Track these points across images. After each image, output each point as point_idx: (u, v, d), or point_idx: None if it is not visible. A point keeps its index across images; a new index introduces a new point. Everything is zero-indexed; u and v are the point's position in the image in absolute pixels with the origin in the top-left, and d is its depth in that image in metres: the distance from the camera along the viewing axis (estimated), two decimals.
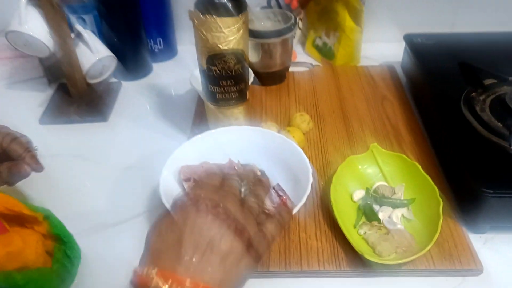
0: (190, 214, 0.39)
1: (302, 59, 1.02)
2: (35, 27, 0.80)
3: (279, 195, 0.49)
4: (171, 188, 0.60)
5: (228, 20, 0.60)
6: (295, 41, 1.03)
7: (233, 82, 0.66)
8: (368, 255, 0.54)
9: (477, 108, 0.69)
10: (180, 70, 0.98)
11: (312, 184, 0.59)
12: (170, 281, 0.35)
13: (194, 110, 0.85)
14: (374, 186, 0.65)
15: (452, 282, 0.56)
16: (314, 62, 1.01)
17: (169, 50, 1.03)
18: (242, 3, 0.62)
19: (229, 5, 0.60)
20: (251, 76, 0.85)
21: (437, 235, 0.55)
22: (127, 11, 0.89)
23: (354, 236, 0.59)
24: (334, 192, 0.62)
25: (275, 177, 0.53)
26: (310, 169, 0.60)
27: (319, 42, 1.01)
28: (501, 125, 0.65)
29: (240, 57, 0.64)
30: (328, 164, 0.72)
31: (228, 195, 0.42)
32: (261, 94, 0.89)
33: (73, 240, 0.56)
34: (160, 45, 1.01)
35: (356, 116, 0.81)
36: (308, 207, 0.64)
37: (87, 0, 0.89)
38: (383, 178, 0.67)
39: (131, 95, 0.93)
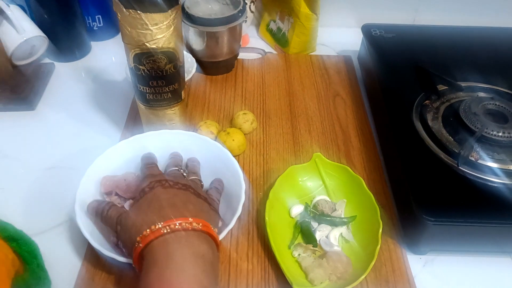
0: (160, 190, 0.49)
1: (255, 43, 0.95)
2: None
3: None
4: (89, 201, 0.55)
5: (155, 16, 0.53)
6: (249, 22, 0.95)
7: (164, 82, 0.60)
8: (297, 285, 0.50)
9: (429, 117, 0.65)
10: (122, 50, 0.89)
11: (249, 196, 0.57)
12: (176, 221, 0.43)
13: (131, 102, 0.77)
14: (314, 201, 0.61)
15: None
16: (267, 48, 0.94)
17: (110, 27, 0.94)
18: None
19: None
20: (193, 67, 0.78)
21: (372, 263, 0.52)
22: None
23: (287, 259, 0.55)
24: (270, 209, 0.57)
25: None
26: (243, 187, 0.55)
27: (273, 26, 0.94)
28: (452, 139, 0.61)
29: (171, 56, 0.57)
30: (269, 171, 0.67)
31: (177, 176, 0.54)
32: (205, 85, 0.82)
33: (24, 235, 0.50)
34: (100, 23, 0.91)
35: (305, 116, 0.76)
36: (242, 222, 0.60)
37: None
38: (325, 192, 0.63)
39: (65, 79, 0.84)
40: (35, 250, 0.50)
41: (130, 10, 0.52)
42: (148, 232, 0.43)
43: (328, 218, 0.59)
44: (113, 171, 0.59)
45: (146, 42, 0.55)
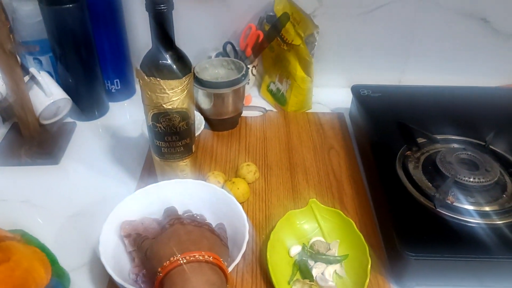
0: (179, 226, 0.56)
1: (257, 102, 1.06)
2: None
3: None
4: (111, 244, 0.62)
5: (172, 82, 0.62)
6: (251, 83, 1.06)
7: (178, 137, 0.69)
8: None
9: (411, 166, 0.73)
10: (137, 110, 0.98)
11: (253, 237, 0.63)
12: (192, 253, 0.50)
13: (146, 155, 0.86)
14: (311, 242, 0.68)
15: None
16: (268, 107, 1.04)
17: (127, 90, 1.05)
18: (187, 65, 0.64)
19: (174, 67, 0.63)
20: (202, 124, 0.88)
21: None
22: (83, 52, 0.91)
23: None
24: (271, 249, 0.64)
25: None
26: (247, 227, 0.63)
27: (273, 87, 1.04)
28: (431, 185, 0.69)
29: (184, 115, 0.66)
30: (270, 216, 0.74)
31: (192, 217, 0.63)
32: (212, 140, 0.91)
33: (48, 250, 0.62)
34: (118, 86, 1.02)
35: (302, 167, 0.85)
36: (247, 261, 0.67)
37: (38, 49, 0.90)
38: (320, 233, 0.70)
39: (86, 136, 0.94)
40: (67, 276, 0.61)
41: (151, 78, 0.62)
42: (167, 263, 0.50)
43: (323, 257, 0.66)
44: (131, 217, 0.66)
45: (163, 104, 0.64)
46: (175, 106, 0.65)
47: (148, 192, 0.69)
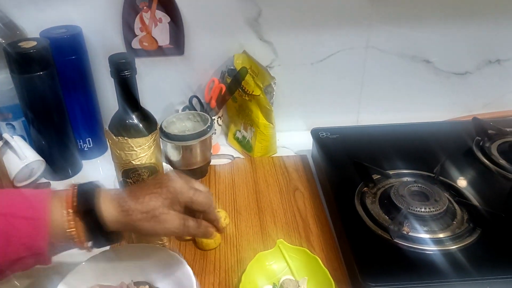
0: None
1: (225, 150, 1.11)
2: None
3: None
4: None
5: (139, 140, 0.67)
6: (218, 133, 1.11)
7: None
8: None
9: (368, 202, 0.78)
10: (110, 165, 1.01)
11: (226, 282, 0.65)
12: None
13: None
14: (281, 281, 0.72)
15: None
16: (236, 154, 1.09)
17: (99, 147, 1.08)
18: (152, 123, 0.69)
19: (140, 126, 0.68)
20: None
21: None
22: (54, 116, 0.94)
23: None
24: None
25: None
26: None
27: (239, 135, 1.10)
28: (388, 217, 0.75)
29: (153, 169, 0.71)
30: (241, 259, 0.78)
31: None
32: None
33: None
34: (90, 144, 1.06)
35: (270, 209, 0.89)
36: None
37: (11, 117, 0.94)
38: (289, 272, 0.74)
39: None
40: None
41: (119, 138, 0.67)
42: None
43: None
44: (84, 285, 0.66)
45: (132, 160, 0.68)
46: (143, 162, 0.69)
47: (100, 258, 0.68)
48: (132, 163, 0.69)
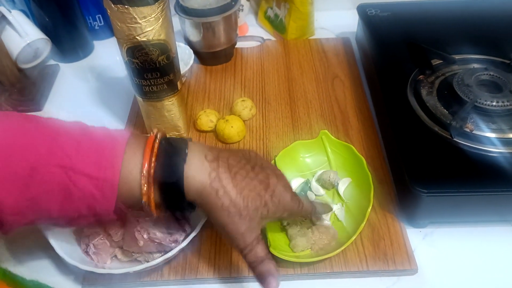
0: None
1: (254, 31, 0.96)
2: None
3: None
4: None
5: (143, 9, 0.54)
6: (246, 10, 0.96)
7: (159, 74, 0.61)
8: (274, 248, 0.52)
9: (424, 93, 0.65)
10: None
11: None
12: None
13: (133, 96, 0.80)
14: (320, 172, 0.62)
15: (386, 281, 0.55)
16: (266, 36, 0.95)
17: (111, 26, 0.96)
18: None
19: None
20: (191, 58, 0.80)
21: (354, 237, 0.53)
22: None
23: (274, 227, 0.57)
24: None
25: None
26: None
27: (270, 13, 0.94)
28: (447, 112, 0.61)
29: (163, 48, 0.58)
30: (268, 154, 0.68)
31: None
32: (204, 76, 0.83)
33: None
34: (101, 22, 0.94)
35: (304, 99, 0.77)
36: None
37: None
38: (328, 168, 0.64)
39: (70, 79, 0.87)
40: None
41: (119, 6, 0.53)
42: None
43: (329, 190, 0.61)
44: None
45: (137, 36, 0.56)
46: (150, 38, 0.57)
47: None
48: (137, 39, 0.56)
